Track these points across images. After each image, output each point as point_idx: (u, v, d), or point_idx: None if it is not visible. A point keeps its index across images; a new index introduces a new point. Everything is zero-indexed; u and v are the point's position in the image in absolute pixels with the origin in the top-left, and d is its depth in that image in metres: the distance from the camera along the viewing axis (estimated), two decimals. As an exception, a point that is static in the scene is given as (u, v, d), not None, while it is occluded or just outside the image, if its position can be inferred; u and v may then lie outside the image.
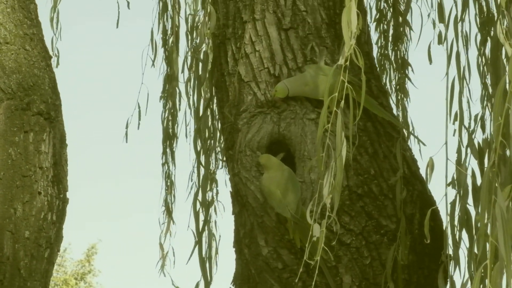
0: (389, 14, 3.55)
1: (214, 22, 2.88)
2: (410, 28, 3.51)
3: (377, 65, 3.27)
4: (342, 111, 2.24)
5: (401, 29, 3.47)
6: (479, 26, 2.76)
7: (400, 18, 3.42)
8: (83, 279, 13.57)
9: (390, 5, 3.53)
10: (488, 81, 2.84)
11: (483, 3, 2.78)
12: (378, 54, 3.61)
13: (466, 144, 2.52)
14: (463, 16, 2.63)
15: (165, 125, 3.52)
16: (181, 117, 3.51)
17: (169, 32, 3.51)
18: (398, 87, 3.54)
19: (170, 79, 3.49)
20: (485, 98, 2.81)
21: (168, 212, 3.53)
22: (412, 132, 3.36)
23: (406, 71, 3.54)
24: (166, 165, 3.56)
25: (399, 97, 3.54)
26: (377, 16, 3.59)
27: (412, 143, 3.26)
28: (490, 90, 2.72)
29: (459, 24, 2.60)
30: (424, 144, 2.88)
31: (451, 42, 2.51)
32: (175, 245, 3.40)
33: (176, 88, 3.51)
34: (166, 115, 3.53)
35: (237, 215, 2.85)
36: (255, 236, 2.74)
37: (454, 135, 2.52)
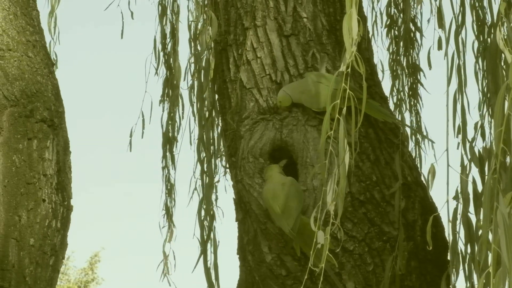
0: (399, 20, 3.56)
1: (215, 29, 2.89)
2: (421, 34, 3.51)
3: (385, 71, 3.29)
4: (344, 118, 2.25)
5: (412, 34, 3.47)
6: (476, 33, 2.77)
7: (411, 25, 3.42)
8: (86, 287, 13.56)
9: (400, 11, 3.53)
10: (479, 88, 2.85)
11: (480, 12, 2.78)
12: (390, 59, 3.61)
13: (467, 152, 2.53)
14: (462, 26, 2.64)
15: (164, 129, 3.53)
16: (184, 124, 3.51)
17: (168, 36, 3.52)
18: (410, 92, 3.55)
19: (170, 84, 3.50)
20: (484, 106, 2.81)
21: (168, 215, 3.53)
22: (416, 130, 3.36)
23: (418, 76, 3.54)
24: (166, 169, 3.56)
25: (411, 103, 3.54)
26: (388, 22, 3.60)
27: (427, 148, 3.28)
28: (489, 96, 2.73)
29: (456, 30, 2.61)
30: (433, 142, 2.87)
31: (452, 55, 2.52)
32: (176, 250, 3.40)
33: (176, 92, 3.51)
34: (166, 119, 3.54)
35: (241, 222, 2.85)
36: (259, 243, 2.74)
37: (458, 148, 2.53)
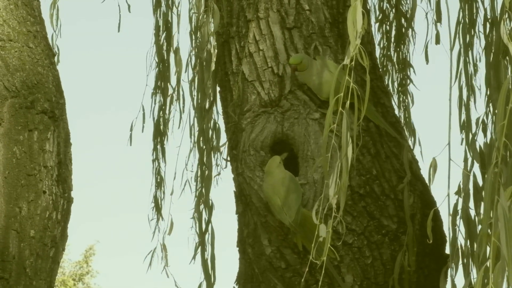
0: (391, 15, 3.56)
1: (218, 21, 2.88)
2: (412, 30, 3.52)
3: (379, 65, 3.29)
4: (347, 112, 2.25)
5: (403, 30, 3.47)
6: (471, 28, 2.77)
7: (403, 20, 3.43)
8: (81, 280, 13.56)
9: (393, 6, 3.53)
10: (476, 83, 2.85)
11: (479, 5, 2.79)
12: (381, 55, 3.62)
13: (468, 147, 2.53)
14: (471, 23, 2.64)
15: (155, 122, 3.53)
16: (183, 117, 3.51)
17: (161, 29, 3.51)
18: (400, 88, 3.56)
19: (162, 76, 3.50)
20: (486, 101, 2.82)
21: (157, 208, 3.53)
22: (411, 133, 3.38)
23: (408, 72, 3.55)
24: (156, 161, 3.56)
25: (401, 99, 3.55)
26: (380, 17, 3.60)
27: (416, 144, 3.29)
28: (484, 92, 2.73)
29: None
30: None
31: (458, 52, 2.52)
32: (169, 243, 3.40)
33: (168, 84, 3.51)
34: (158, 112, 3.54)
35: (241, 214, 2.85)
36: (259, 236, 2.75)
37: (461, 143, 2.53)
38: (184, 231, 3.12)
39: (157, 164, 3.55)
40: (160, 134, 3.52)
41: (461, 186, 2.44)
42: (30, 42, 2.72)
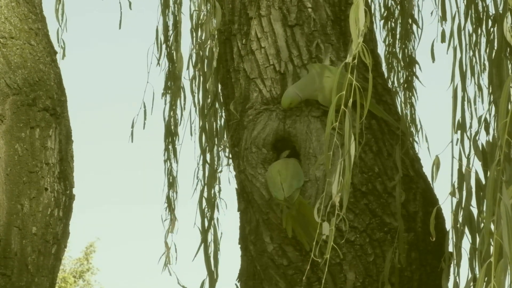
0: (396, 12, 3.56)
1: (219, 18, 2.88)
2: (418, 26, 3.52)
3: (382, 63, 3.28)
4: (349, 110, 2.25)
5: (409, 27, 3.47)
6: (474, 26, 2.77)
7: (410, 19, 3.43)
8: (81, 277, 13.60)
9: (398, 3, 3.53)
10: (483, 82, 2.86)
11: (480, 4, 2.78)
12: (386, 52, 3.62)
13: (470, 146, 2.53)
14: (466, 20, 2.63)
15: (166, 122, 3.53)
16: (186, 115, 3.52)
17: (170, 28, 3.51)
18: (405, 85, 3.56)
19: (172, 76, 3.50)
20: (489, 99, 2.82)
21: (171, 209, 3.54)
22: (417, 130, 3.38)
23: (414, 69, 3.55)
24: (168, 162, 3.57)
25: (406, 95, 3.55)
26: (385, 14, 3.60)
27: (421, 141, 3.30)
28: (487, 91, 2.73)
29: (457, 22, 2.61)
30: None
31: (454, 48, 2.52)
32: (176, 241, 3.42)
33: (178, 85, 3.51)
34: (168, 112, 3.54)
35: (243, 212, 2.86)
36: (261, 233, 2.75)
37: (456, 144, 2.53)
38: (194, 230, 3.13)
39: (169, 164, 3.56)
40: (171, 134, 3.53)
41: (456, 185, 2.44)
42: (31, 39, 2.72)
